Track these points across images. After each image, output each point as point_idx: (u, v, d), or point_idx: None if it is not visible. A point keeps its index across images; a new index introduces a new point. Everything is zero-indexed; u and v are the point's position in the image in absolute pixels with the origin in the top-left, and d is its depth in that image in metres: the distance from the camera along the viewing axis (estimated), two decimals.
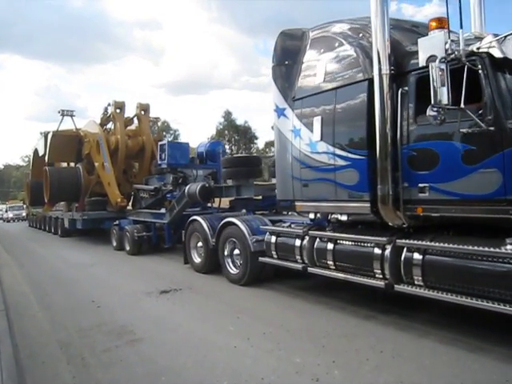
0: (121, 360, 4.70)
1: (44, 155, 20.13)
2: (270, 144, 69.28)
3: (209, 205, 12.00)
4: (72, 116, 18.59)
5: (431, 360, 4.43)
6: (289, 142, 6.84)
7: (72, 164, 19.64)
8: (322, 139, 6.24)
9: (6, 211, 40.83)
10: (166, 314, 6.45)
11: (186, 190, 9.88)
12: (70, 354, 4.97)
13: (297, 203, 6.79)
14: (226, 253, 8.40)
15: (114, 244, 13.59)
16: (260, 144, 69.46)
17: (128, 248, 12.44)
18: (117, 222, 13.53)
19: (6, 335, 5.44)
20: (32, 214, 25.70)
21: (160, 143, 11.93)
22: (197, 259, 9.44)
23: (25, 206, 34.99)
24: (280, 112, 7.03)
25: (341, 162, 5.99)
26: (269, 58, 7.42)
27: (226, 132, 68.06)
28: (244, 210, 9.48)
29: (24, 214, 35.65)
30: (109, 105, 17.35)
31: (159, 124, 22.42)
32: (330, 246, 6.26)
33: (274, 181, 9.95)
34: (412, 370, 4.25)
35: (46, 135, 19.74)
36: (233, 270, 8.23)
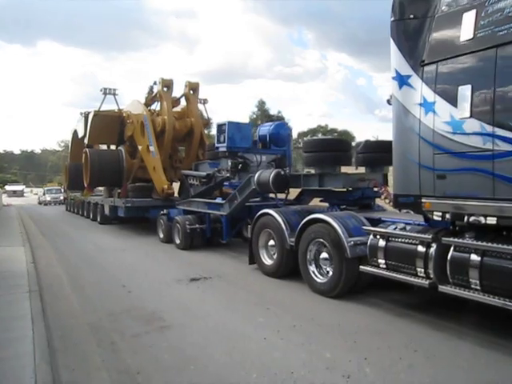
0: (150, 346, 4.69)
1: (83, 137, 19.09)
2: (302, 135, 67.42)
3: (271, 195, 10.58)
4: (115, 95, 17.23)
5: (469, 362, 4.27)
6: (415, 119, 5.22)
7: (112, 147, 18.58)
8: (471, 115, 4.61)
9: (44, 194, 40.52)
10: (196, 302, 6.37)
11: (255, 178, 8.38)
12: (99, 337, 4.99)
13: (425, 200, 5.19)
14: (309, 256, 6.89)
15: (161, 236, 12.22)
16: (293, 134, 67.93)
17: (178, 241, 11.05)
18: (165, 212, 12.11)
19: (40, 316, 5.42)
20: (70, 198, 24.82)
21: (218, 123, 10.40)
22: (267, 261, 7.97)
23: (62, 189, 34.53)
24: (402, 80, 5.40)
25: (505, 147, 4.34)
26: (303, 49, 5.90)
27: (260, 122, 66.70)
28: (326, 204, 7.96)
29: (61, 198, 35.17)
30: (154, 83, 16.09)
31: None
32: (476, 258, 4.65)
33: (361, 170, 8.46)
34: (448, 371, 4.12)
35: (86, 116, 18.63)
36: (319, 279, 6.71)
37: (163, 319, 5.55)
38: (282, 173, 8.02)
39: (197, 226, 10.78)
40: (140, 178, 15.77)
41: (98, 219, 17.95)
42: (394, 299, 6.24)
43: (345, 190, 7.87)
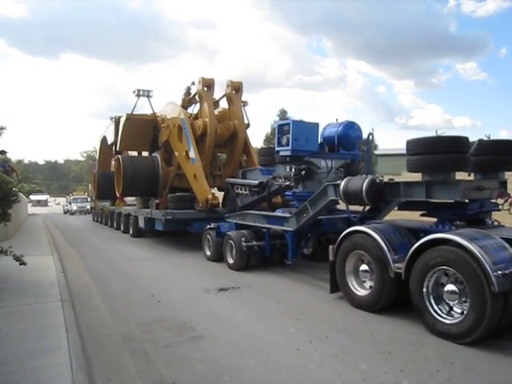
0: (183, 357, 4.63)
1: (113, 143, 17.96)
2: None
3: (338, 207, 9.06)
4: (149, 97, 15.98)
5: (509, 376, 4.11)
6: None
7: (143, 153, 17.33)
8: None
9: (70, 203, 39.62)
10: (226, 312, 6.30)
11: (340, 187, 6.82)
12: (133, 347, 4.93)
13: None
14: (425, 289, 5.31)
15: (208, 253, 10.64)
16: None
17: (231, 261, 9.47)
18: (213, 226, 10.48)
19: (73, 325, 5.42)
20: (99, 208, 23.63)
21: (279, 123, 8.90)
22: (358, 290, 6.39)
23: (89, 198, 33.63)
24: None
25: None
26: (322, 57, 4.51)
27: None
28: (428, 219, 6.36)
29: (88, 207, 34.26)
30: (192, 83, 14.69)
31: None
32: None
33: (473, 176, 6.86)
34: None
35: (117, 120, 17.50)
36: (447, 319, 5.11)
37: (194, 329, 5.48)
38: (378, 181, 6.45)
39: (254, 243, 9.24)
40: (176, 187, 14.42)
41: (131, 232, 16.52)
42: None
43: (452, 201, 6.27)
